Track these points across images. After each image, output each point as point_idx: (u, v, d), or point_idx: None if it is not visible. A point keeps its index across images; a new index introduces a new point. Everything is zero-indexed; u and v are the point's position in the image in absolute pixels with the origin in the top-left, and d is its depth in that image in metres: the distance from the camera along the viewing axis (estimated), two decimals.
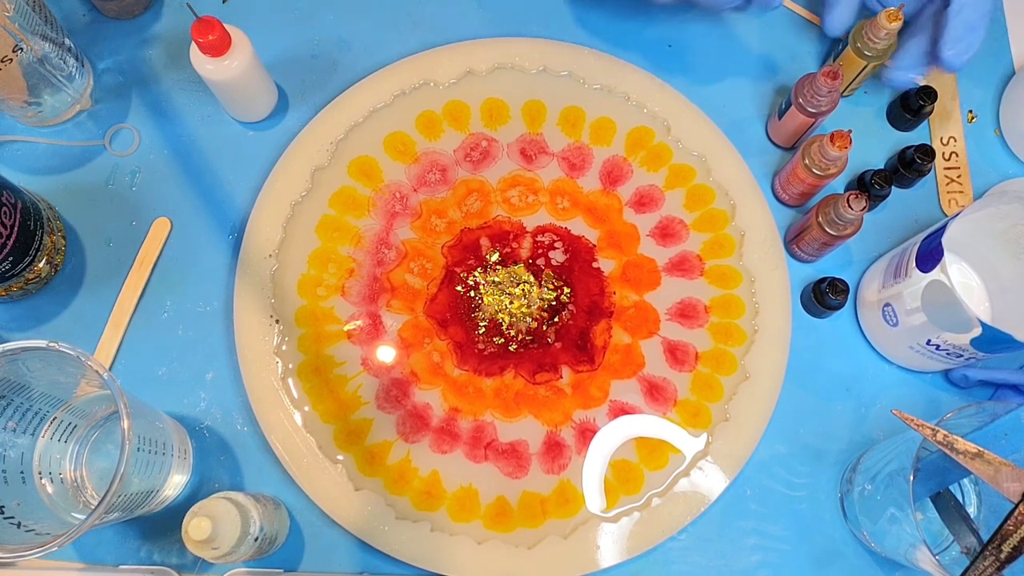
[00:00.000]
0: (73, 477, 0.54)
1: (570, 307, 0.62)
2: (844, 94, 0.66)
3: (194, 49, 0.56)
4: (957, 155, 0.67)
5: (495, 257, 0.62)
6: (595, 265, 0.63)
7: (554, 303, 0.62)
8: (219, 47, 0.55)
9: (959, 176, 0.66)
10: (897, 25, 0.58)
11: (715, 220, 0.64)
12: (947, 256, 0.52)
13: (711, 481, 0.58)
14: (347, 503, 0.56)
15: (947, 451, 0.46)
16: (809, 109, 0.60)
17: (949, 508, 0.52)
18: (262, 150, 0.65)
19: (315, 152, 0.63)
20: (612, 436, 0.59)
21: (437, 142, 0.65)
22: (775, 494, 0.59)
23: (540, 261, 0.63)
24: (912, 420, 0.47)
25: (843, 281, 0.60)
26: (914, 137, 0.67)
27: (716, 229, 0.64)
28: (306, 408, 0.58)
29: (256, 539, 0.49)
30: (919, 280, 0.54)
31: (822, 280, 0.61)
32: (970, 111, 0.69)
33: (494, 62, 0.66)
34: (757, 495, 0.59)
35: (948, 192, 0.66)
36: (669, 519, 0.57)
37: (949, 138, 0.67)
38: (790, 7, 0.70)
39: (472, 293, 0.62)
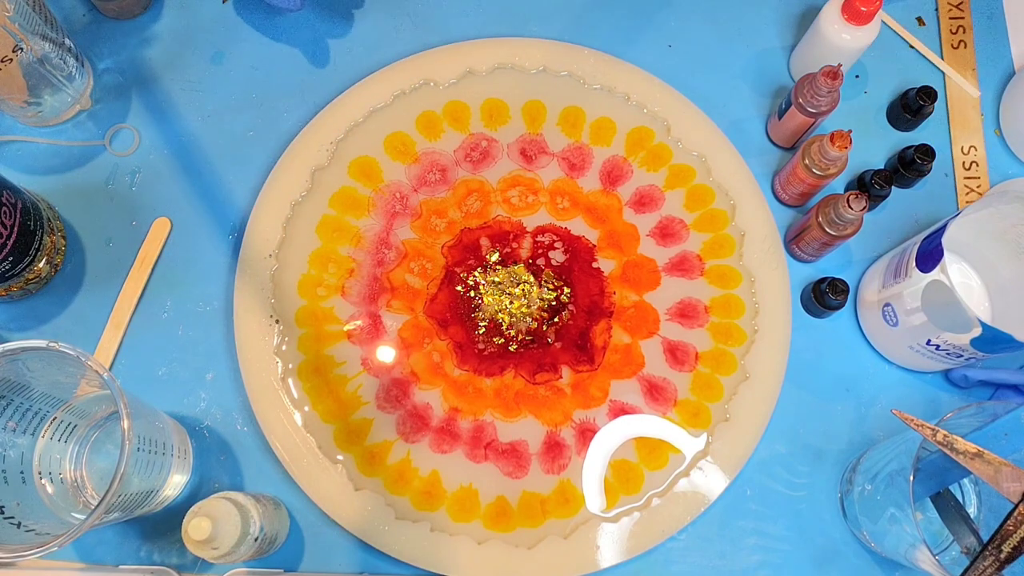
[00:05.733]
0: (73, 477, 0.54)
1: (570, 307, 0.62)
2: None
3: (832, 16, 0.60)
4: (977, 164, 0.66)
5: (495, 257, 0.62)
6: (595, 265, 0.63)
7: (554, 303, 0.62)
8: (870, 16, 0.59)
9: (979, 187, 0.66)
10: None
11: (715, 220, 0.64)
12: (947, 256, 0.52)
13: (711, 481, 0.58)
14: (347, 503, 0.56)
15: (947, 451, 0.46)
16: (809, 109, 0.60)
17: (949, 508, 0.52)
18: (262, 150, 0.65)
19: (315, 152, 0.63)
20: (612, 436, 0.59)
21: (437, 142, 0.65)
22: (775, 494, 0.59)
23: (540, 261, 0.63)
24: (912, 420, 0.47)
25: (843, 281, 0.60)
26: (914, 137, 0.67)
27: (716, 229, 0.63)
28: (306, 408, 0.58)
29: (256, 539, 0.49)
30: (919, 280, 0.54)
31: (822, 280, 0.61)
32: None
33: (494, 62, 0.66)
34: (757, 495, 0.59)
35: (967, 202, 0.66)
36: (669, 519, 0.57)
37: (970, 147, 0.67)
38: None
39: (472, 293, 0.62)
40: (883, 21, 0.70)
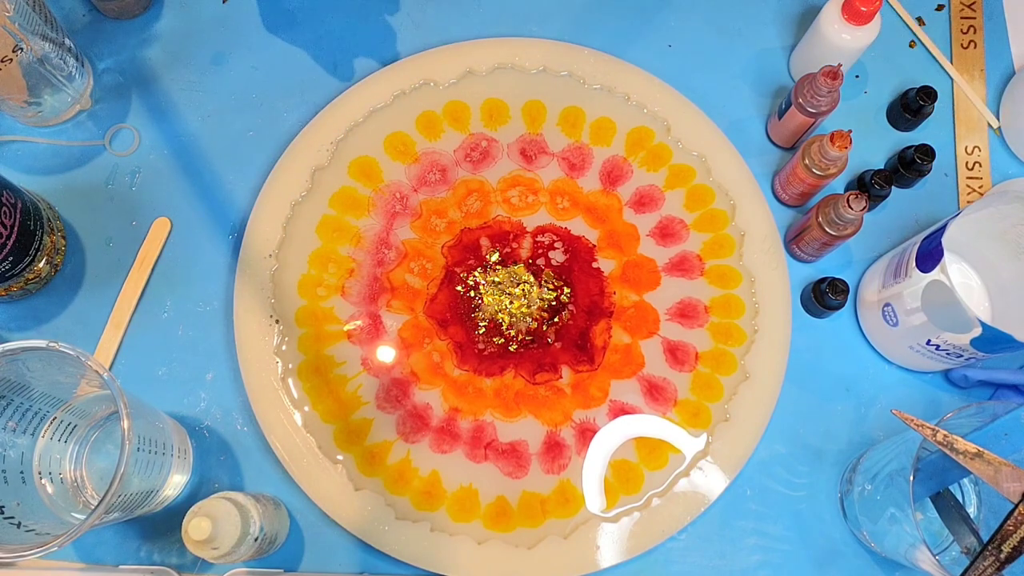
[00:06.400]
0: (73, 477, 0.54)
1: (570, 307, 0.62)
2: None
3: (832, 16, 0.59)
4: (980, 165, 0.66)
5: (495, 257, 0.62)
6: (595, 265, 0.63)
7: (554, 303, 0.62)
8: (870, 16, 0.58)
9: (981, 187, 0.66)
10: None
11: (715, 220, 0.64)
12: (947, 256, 0.52)
13: (711, 481, 0.58)
14: (347, 503, 0.56)
15: (947, 451, 0.46)
16: (809, 109, 0.60)
17: (949, 508, 0.52)
18: (262, 150, 0.65)
19: (315, 152, 0.63)
20: (612, 436, 0.59)
21: (437, 142, 0.65)
22: (775, 494, 0.59)
23: (540, 261, 0.63)
24: (912, 420, 0.47)
25: (843, 281, 0.60)
26: (914, 137, 0.67)
27: (716, 229, 0.63)
28: (306, 408, 0.58)
29: (256, 539, 0.49)
30: (919, 280, 0.54)
31: (822, 280, 0.61)
32: None
33: (494, 62, 0.66)
34: (757, 495, 0.59)
35: (969, 202, 0.65)
36: (669, 519, 0.57)
37: (974, 147, 0.67)
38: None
39: (472, 293, 0.62)
40: (897, 13, 0.70)
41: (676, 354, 0.61)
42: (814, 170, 0.59)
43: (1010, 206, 0.55)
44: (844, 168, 0.59)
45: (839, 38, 0.61)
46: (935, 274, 0.52)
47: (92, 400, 0.54)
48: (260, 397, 0.58)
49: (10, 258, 0.55)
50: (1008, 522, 0.45)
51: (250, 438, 0.58)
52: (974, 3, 0.71)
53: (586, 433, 0.59)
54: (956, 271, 0.62)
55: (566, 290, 0.62)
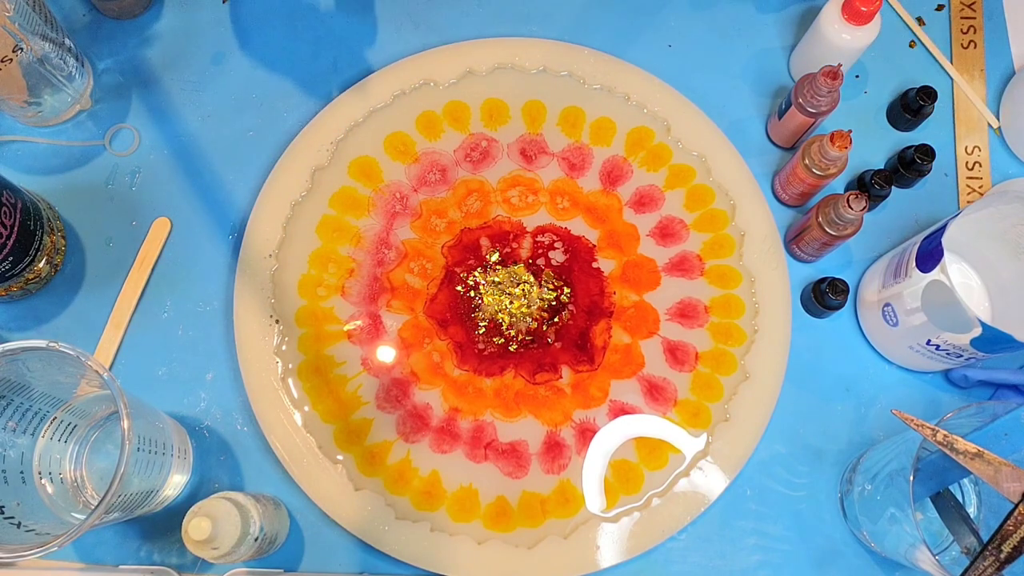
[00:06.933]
0: (73, 477, 0.54)
1: (570, 307, 0.62)
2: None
3: (832, 16, 0.60)
4: (981, 165, 0.66)
5: (495, 257, 0.62)
6: (595, 265, 0.63)
7: (554, 303, 0.62)
8: (870, 16, 0.58)
9: (981, 187, 0.66)
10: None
11: (715, 220, 0.64)
12: (947, 256, 0.52)
13: (711, 481, 0.58)
14: (347, 503, 0.56)
15: (947, 451, 0.46)
16: (809, 109, 0.60)
17: (949, 508, 0.52)
18: (262, 150, 0.65)
19: (315, 152, 0.63)
20: (612, 436, 0.59)
21: (437, 142, 0.65)
22: (775, 494, 0.59)
23: (540, 261, 0.63)
24: (912, 420, 0.47)
25: (843, 281, 0.60)
26: (914, 137, 0.67)
27: (716, 229, 0.63)
28: (306, 408, 0.58)
29: (256, 539, 0.49)
30: (919, 280, 0.54)
31: (822, 280, 0.61)
32: None
33: (494, 62, 0.66)
34: (757, 495, 0.59)
35: (969, 202, 0.65)
36: (669, 519, 0.57)
37: (974, 147, 0.67)
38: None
39: (472, 293, 0.62)
40: (897, 13, 0.70)
41: (676, 354, 0.61)
42: (814, 170, 0.59)
43: (1010, 206, 0.55)
44: (844, 168, 0.59)
45: (839, 38, 0.61)
46: (935, 274, 0.52)
47: (92, 400, 0.54)
48: (260, 397, 0.58)
49: (10, 258, 0.55)
50: (1008, 522, 0.45)
51: (250, 438, 0.58)
52: (974, 3, 0.71)
53: (586, 433, 0.59)
54: (956, 271, 0.62)
55: (566, 290, 0.62)
